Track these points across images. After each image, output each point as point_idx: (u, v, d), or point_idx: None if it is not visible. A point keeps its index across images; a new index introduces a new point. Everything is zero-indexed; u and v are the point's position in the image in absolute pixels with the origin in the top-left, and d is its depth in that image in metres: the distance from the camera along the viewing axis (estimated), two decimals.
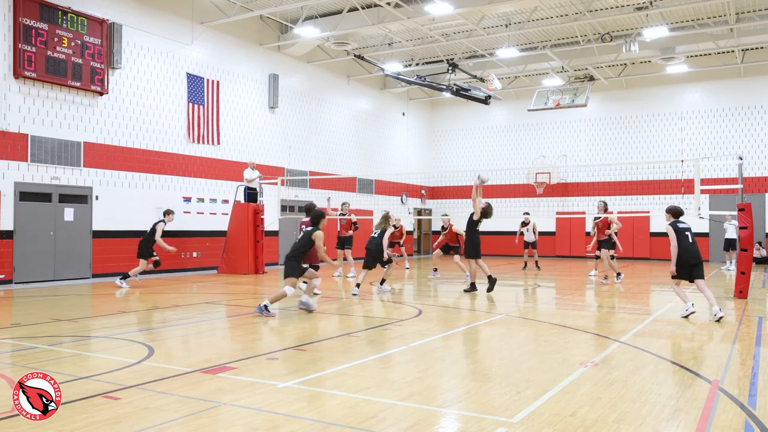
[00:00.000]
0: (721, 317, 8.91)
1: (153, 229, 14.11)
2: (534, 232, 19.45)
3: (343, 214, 16.75)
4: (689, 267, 9.28)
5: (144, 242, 14.11)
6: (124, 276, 13.84)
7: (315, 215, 10.29)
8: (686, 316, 9.26)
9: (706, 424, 4.32)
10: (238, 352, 6.79)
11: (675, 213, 9.56)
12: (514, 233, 20.23)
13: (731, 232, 19.59)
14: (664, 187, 24.55)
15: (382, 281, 13.15)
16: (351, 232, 16.57)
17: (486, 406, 4.75)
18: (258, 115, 20.45)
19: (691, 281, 9.36)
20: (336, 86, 24.18)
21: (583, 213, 24.90)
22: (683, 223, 9.50)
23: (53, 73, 14.34)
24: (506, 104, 27.50)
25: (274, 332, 8.71)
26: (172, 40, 17.46)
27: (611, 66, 24.57)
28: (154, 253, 14.15)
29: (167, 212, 14.49)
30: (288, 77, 21.68)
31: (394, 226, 15.41)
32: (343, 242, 16.52)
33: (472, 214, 12.53)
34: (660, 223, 23.79)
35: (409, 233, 27.75)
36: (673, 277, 9.43)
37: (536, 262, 19.89)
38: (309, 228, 10.21)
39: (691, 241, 9.33)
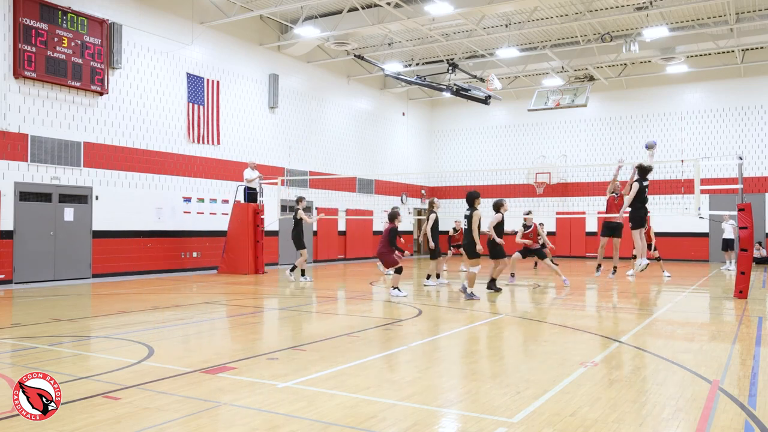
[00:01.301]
0: (634, 270, 11.89)
1: (297, 220, 15.11)
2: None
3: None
4: (643, 217, 11.68)
5: (295, 234, 15.15)
6: (301, 271, 15.24)
7: (470, 197, 11.40)
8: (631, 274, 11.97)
9: (706, 424, 4.31)
10: (238, 352, 6.79)
11: (642, 170, 11.75)
12: (512, 233, 20.30)
13: (729, 232, 19.60)
14: (664, 187, 24.51)
15: (437, 275, 14.31)
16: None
17: (486, 406, 4.74)
18: (258, 115, 20.45)
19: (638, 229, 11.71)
20: (336, 86, 24.18)
21: (583, 213, 24.90)
22: (647, 181, 11.71)
23: (53, 73, 14.34)
24: (506, 104, 27.50)
25: (274, 332, 8.72)
26: (172, 40, 17.46)
27: (611, 66, 24.57)
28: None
29: (299, 199, 15.36)
30: (288, 77, 21.68)
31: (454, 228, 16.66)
32: None
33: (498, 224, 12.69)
34: (660, 223, 23.82)
35: (409, 233, 27.73)
36: (634, 228, 11.64)
37: (536, 262, 20.30)
38: (468, 212, 11.35)
39: (646, 199, 11.74)
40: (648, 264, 11.87)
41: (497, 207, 12.65)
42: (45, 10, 14.19)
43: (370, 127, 26.15)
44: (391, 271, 12.47)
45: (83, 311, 10.32)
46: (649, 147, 13.44)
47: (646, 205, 12.07)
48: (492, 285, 12.62)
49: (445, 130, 30.26)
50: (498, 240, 12.35)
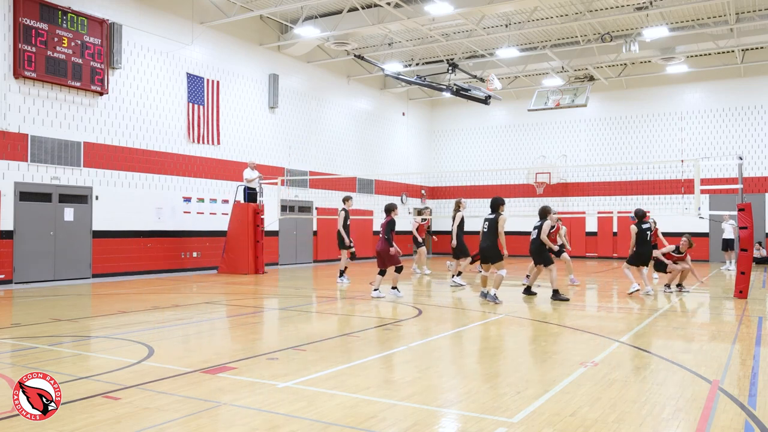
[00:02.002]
0: (635, 291, 12.09)
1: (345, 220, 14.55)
2: None
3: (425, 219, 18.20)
4: (644, 258, 12.23)
5: (339, 233, 14.63)
6: (340, 272, 14.85)
7: (495, 202, 11.28)
8: (631, 293, 12.17)
9: (706, 424, 4.32)
10: (238, 352, 6.79)
11: (639, 215, 12.34)
12: (513, 233, 20.32)
13: (729, 232, 19.58)
14: (664, 187, 24.53)
15: (459, 273, 14.30)
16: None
17: (486, 406, 4.74)
18: (258, 115, 20.44)
19: (638, 266, 12.34)
20: (336, 86, 24.17)
21: (583, 213, 24.90)
22: (646, 224, 12.23)
23: (53, 73, 14.34)
24: (506, 104, 27.49)
25: (274, 332, 8.72)
26: (172, 40, 17.46)
27: (611, 66, 24.56)
28: (351, 244, 14.70)
29: (346, 198, 14.79)
30: (288, 77, 21.68)
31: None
32: (420, 241, 17.77)
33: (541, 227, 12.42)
34: (660, 222, 23.80)
35: (408, 233, 27.68)
36: (628, 263, 12.33)
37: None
38: (491, 216, 11.19)
39: (648, 239, 12.18)
40: (641, 291, 12.35)
41: (546, 213, 12.31)
42: (45, 10, 14.18)
43: (370, 127, 26.15)
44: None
45: (83, 311, 10.32)
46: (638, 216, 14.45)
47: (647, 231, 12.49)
48: (528, 290, 12.31)
49: (445, 130, 30.25)
50: (555, 247, 12.65)
